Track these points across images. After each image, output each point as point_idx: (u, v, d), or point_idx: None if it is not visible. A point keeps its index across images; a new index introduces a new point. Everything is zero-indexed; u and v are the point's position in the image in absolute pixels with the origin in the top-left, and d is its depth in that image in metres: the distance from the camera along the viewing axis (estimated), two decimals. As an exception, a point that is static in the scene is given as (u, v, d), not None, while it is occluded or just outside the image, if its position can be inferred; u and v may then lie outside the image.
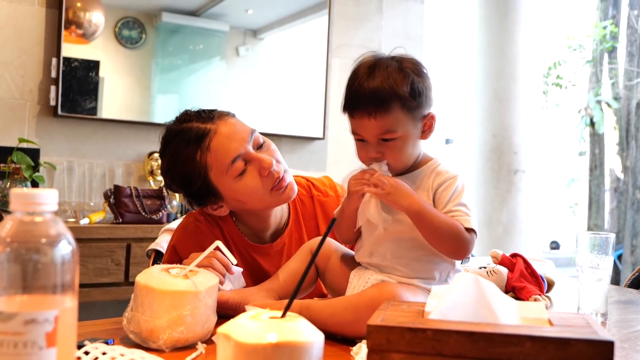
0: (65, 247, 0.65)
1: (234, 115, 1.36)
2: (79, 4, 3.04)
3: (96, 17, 3.12)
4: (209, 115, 1.31)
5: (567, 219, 8.34)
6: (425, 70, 1.16)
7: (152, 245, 1.79)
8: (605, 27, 6.95)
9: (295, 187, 1.36)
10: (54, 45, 3.00)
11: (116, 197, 2.82)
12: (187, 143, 1.27)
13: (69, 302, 0.65)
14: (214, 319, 1.04)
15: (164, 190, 2.97)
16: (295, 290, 0.80)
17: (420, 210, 1.07)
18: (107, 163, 3.13)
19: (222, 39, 3.52)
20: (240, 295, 1.18)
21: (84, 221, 2.77)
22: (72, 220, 2.88)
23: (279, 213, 1.42)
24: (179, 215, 3.12)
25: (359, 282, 1.19)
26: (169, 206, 2.99)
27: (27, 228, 0.64)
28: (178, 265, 1.08)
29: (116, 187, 2.86)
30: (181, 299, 0.98)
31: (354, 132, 1.15)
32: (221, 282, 1.17)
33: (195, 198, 1.33)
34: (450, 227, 1.08)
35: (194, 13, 3.42)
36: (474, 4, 4.90)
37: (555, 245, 8.37)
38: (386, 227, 1.15)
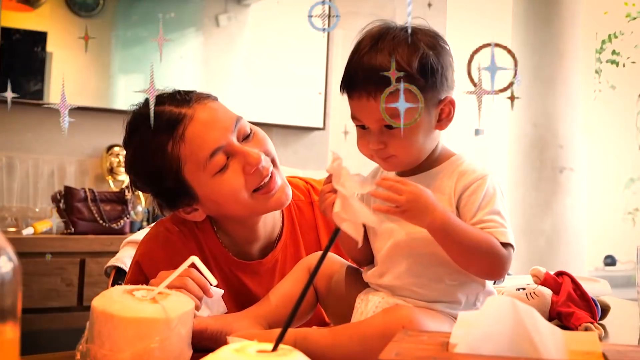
0: (5, 265, 0.65)
1: (215, 99, 1.36)
2: (22, -37, 3.05)
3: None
4: (185, 98, 1.31)
5: (625, 229, 8.35)
6: (444, 45, 1.16)
7: (112, 262, 1.80)
8: (672, -9, 6.97)
9: (289, 191, 1.35)
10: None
11: (67, 202, 2.82)
12: (157, 130, 1.25)
13: (9, 333, 0.65)
14: (189, 352, 1.04)
15: (127, 191, 2.97)
16: (289, 317, 0.80)
17: (445, 226, 1.05)
18: (56, 159, 3.13)
19: (198, 5, 3.52)
20: (221, 322, 1.18)
21: (28, 231, 2.78)
22: (13, 229, 2.88)
23: (269, 222, 1.42)
24: (145, 223, 3.12)
25: (367, 308, 1.19)
26: (132, 212, 3.00)
27: (-43, 241, 0.64)
28: (144, 286, 1.08)
29: (67, 188, 2.87)
30: (148, 328, 0.98)
31: (353, 117, 1.15)
32: (197, 307, 1.17)
33: (165, 199, 1.33)
34: (483, 244, 1.07)
35: (163, -27, 3.43)
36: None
37: (610, 261, 8.38)
38: (397, 241, 1.14)
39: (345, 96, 1.16)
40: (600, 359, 0.83)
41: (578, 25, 4.74)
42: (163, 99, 1.31)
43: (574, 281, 1.54)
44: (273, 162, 1.34)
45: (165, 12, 3.42)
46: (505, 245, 1.09)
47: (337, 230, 0.87)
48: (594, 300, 1.51)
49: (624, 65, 7.34)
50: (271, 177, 1.31)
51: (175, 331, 1.00)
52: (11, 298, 0.65)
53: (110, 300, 1.00)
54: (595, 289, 1.69)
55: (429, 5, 4.03)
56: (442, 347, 0.84)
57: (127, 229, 2.93)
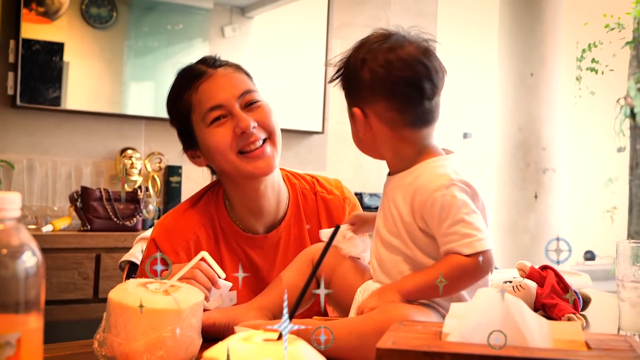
0: (30, 259, 0.65)
1: (240, 69, 1.45)
2: (41, -21, 3.05)
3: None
4: (214, 62, 1.43)
5: (603, 226, 8.35)
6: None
7: (126, 257, 1.80)
8: (647, 4, 6.97)
9: (272, 164, 1.38)
10: (11, 25, 3.00)
11: (84, 201, 2.82)
12: (183, 80, 1.41)
13: (34, 323, 0.65)
14: (199, 341, 1.04)
15: (140, 191, 2.97)
16: (293, 309, 0.80)
17: (411, 292, 1.06)
18: (73, 161, 3.13)
19: (205, 17, 3.52)
20: (228, 315, 1.18)
21: (47, 228, 2.78)
22: (33, 227, 2.88)
23: (273, 199, 1.45)
24: (155, 221, 3.12)
25: (363, 298, 1.19)
26: (144, 211, 2.99)
27: (-15, 237, 0.64)
28: (157, 279, 1.08)
29: (84, 189, 2.86)
30: (161, 319, 0.98)
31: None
32: (206, 298, 1.17)
33: (181, 139, 1.45)
34: (450, 273, 1.04)
35: (173, -13, 3.42)
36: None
37: (590, 256, 8.38)
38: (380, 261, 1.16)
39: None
40: (583, 347, 0.83)
41: (560, 35, 4.73)
42: (203, 59, 1.45)
43: (557, 275, 1.54)
44: (271, 135, 1.39)
45: (173, 24, 3.42)
46: (473, 254, 1.04)
47: (337, 226, 0.87)
48: (576, 293, 1.52)
49: (602, 73, 7.35)
50: (261, 146, 1.37)
51: (186, 321, 1.00)
52: (35, 290, 0.66)
53: (125, 292, 1.00)
54: (577, 282, 1.70)
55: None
56: (436, 336, 0.84)
57: (140, 226, 2.93)
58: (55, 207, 3.03)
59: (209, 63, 1.42)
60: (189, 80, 1.40)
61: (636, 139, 7.58)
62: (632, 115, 7.44)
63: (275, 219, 1.46)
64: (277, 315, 1.21)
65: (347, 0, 3.85)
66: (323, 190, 1.53)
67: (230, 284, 1.25)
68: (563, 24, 4.76)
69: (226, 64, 1.43)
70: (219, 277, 1.20)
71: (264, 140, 1.38)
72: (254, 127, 1.35)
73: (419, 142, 1.16)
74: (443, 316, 1.09)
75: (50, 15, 3.11)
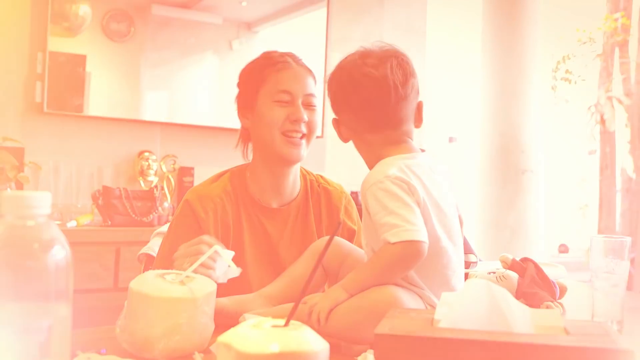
0: (59, 252, 0.65)
1: (311, 74, 1.55)
2: (65, -4, 3.04)
3: (83, 10, 3.11)
4: (297, 59, 1.54)
5: (577, 221, 8.36)
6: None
7: (144, 249, 1.79)
8: (616, 20, 6.97)
9: (301, 156, 1.48)
10: (39, 39, 2.99)
11: (105, 199, 2.82)
12: (268, 60, 1.51)
13: (63, 311, 0.65)
14: (212, 327, 1.04)
15: (156, 190, 2.97)
16: (298, 298, 0.79)
17: (353, 286, 1.07)
18: (95, 163, 3.12)
19: (214, 32, 3.51)
20: (238, 303, 1.18)
21: (71, 224, 2.77)
22: (59, 222, 2.86)
23: (290, 183, 1.53)
24: (170, 217, 3.12)
25: None
26: (160, 208, 2.99)
27: (19, 232, 0.64)
28: (173, 270, 1.08)
29: (105, 188, 2.86)
30: (177, 306, 0.97)
31: None
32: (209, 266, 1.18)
33: (240, 100, 1.53)
34: (380, 261, 1.07)
35: (185, 5, 3.42)
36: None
37: (563, 249, 8.38)
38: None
39: None
40: (562, 332, 0.83)
41: (537, 48, 4.74)
42: (289, 52, 1.55)
43: (536, 266, 1.54)
44: (310, 134, 1.48)
45: (186, 37, 3.42)
46: (399, 242, 1.05)
47: (340, 223, 0.86)
48: (553, 283, 1.52)
49: (575, 83, 7.36)
50: (301, 137, 1.46)
51: (200, 309, 1.00)
52: (64, 281, 0.65)
53: (145, 282, 1.00)
54: (554, 272, 1.69)
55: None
56: (428, 322, 0.84)
57: (156, 222, 2.92)
58: (78, 205, 3.01)
59: (293, 58, 1.53)
60: (273, 62, 1.49)
61: (606, 143, 7.59)
62: (602, 121, 7.45)
63: (288, 198, 1.54)
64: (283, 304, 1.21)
65: (344, 17, 3.84)
66: (326, 183, 1.62)
67: (232, 253, 1.22)
68: (540, 38, 4.77)
69: (304, 65, 1.54)
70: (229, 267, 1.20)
71: (303, 135, 1.47)
72: (303, 122, 1.45)
73: (379, 144, 1.18)
74: (422, 297, 1.11)
75: (73, 30, 3.10)
